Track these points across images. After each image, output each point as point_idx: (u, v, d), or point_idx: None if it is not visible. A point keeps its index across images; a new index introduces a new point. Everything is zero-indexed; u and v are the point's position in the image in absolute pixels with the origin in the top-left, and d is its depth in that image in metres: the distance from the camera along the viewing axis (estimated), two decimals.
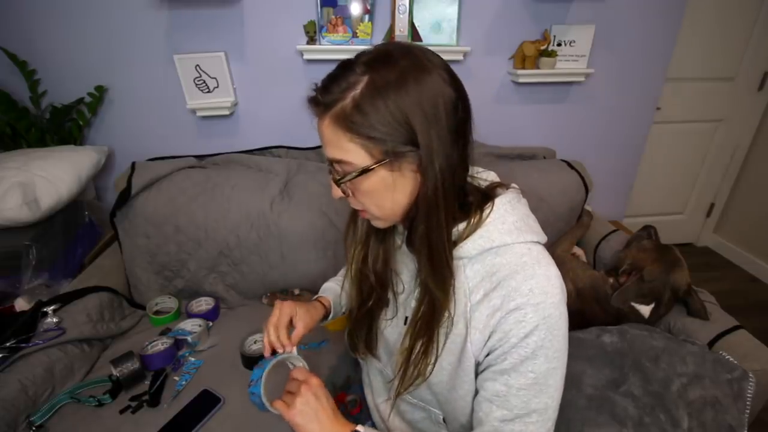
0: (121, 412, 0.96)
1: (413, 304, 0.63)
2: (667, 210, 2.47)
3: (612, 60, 1.63)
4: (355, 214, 0.67)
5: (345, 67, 0.50)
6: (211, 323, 1.25)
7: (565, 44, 1.56)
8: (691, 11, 1.80)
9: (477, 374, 0.59)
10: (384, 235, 0.68)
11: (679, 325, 1.09)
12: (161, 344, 1.11)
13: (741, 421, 0.87)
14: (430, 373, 0.60)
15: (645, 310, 1.10)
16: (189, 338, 1.14)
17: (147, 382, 1.03)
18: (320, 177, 1.39)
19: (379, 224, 0.61)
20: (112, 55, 1.40)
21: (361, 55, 0.51)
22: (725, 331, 1.02)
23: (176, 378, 1.05)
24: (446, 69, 0.51)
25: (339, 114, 0.48)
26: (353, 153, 0.50)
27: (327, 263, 1.34)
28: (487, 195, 0.59)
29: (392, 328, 0.70)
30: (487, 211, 0.56)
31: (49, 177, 1.22)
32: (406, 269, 0.67)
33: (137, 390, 1.02)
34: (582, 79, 1.62)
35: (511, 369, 0.53)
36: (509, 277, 0.53)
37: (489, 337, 0.55)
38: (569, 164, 1.60)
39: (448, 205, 0.52)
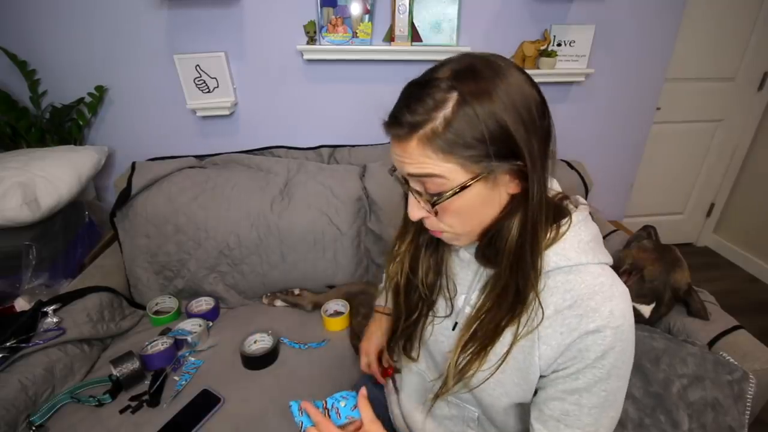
0: (121, 412, 0.96)
1: (467, 310, 0.61)
2: (667, 210, 2.47)
3: (612, 60, 1.63)
4: (406, 227, 0.66)
5: (426, 85, 0.46)
6: (211, 323, 1.25)
7: (565, 44, 1.56)
8: (690, 11, 1.80)
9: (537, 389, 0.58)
10: (438, 244, 0.65)
11: (679, 325, 1.09)
12: (161, 344, 1.11)
13: (741, 422, 0.87)
14: (486, 380, 0.58)
15: (645, 310, 1.10)
16: (189, 338, 1.14)
17: (147, 382, 1.03)
18: (320, 177, 1.39)
19: (458, 243, 0.58)
20: (112, 55, 1.40)
21: (438, 69, 0.48)
22: (725, 331, 1.02)
23: (176, 378, 1.05)
24: (522, 71, 0.50)
25: (429, 135, 0.45)
26: (448, 171, 0.47)
27: (327, 263, 1.34)
28: (559, 207, 0.58)
29: (439, 332, 0.68)
30: (564, 228, 0.55)
31: (49, 177, 1.22)
32: (461, 273, 0.64)
33: (137, 390, 1.02)
34: (582, 79, 1.62)
35: (583, 389, 0.52)
36: (588, 297, 0.51)
37: (561, 354, 0.53)
38: (569, 164, 1.60)
39: (547, 215, 0.52)
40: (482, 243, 0.56)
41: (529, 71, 1.76)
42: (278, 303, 1.35)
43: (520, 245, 0.51)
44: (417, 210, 0.53)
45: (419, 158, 0.47)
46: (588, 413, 0.53)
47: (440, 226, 0.54)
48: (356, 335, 1.15)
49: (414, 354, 0.72)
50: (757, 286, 2.25)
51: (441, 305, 0.67)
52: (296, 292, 1.37)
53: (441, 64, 0.48)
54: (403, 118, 0.47)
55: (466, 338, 0.59)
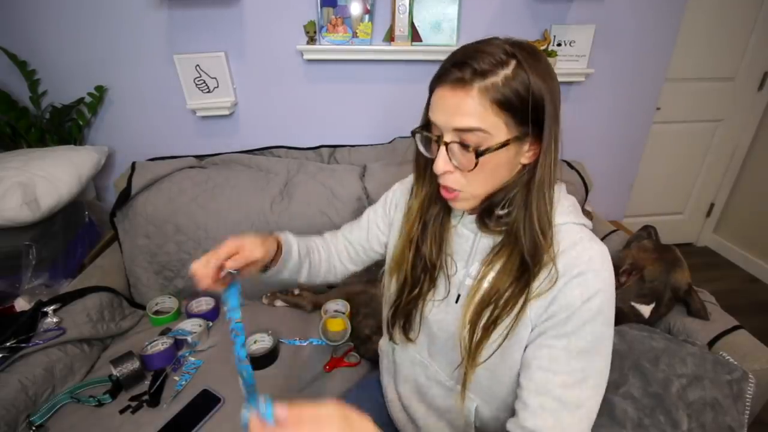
0: (121, 412, 0.96)
1: (469, 282, 0.65)
2: (667, 210, 2.47)
3: (612, 60, 1.63)
4: (421, 207, 0.70)
5: (489, 45, 0.53)
6: (211, 323, 1.25)
7: (565, 44, 1.56)
8: (691, 11, 1.80)
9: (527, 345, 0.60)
10: (441, 219, 0.69)
11: (679, 325, 1.09)
12: (161, 344, 1.11)
13: (741, 422, 0.87)
14: (500, 345, 0.61)
15: (645, 310, 1.10)
16: (189, 338, 1.14)
17: (147, 382, 1.03)
18: (320, 177, 1.39)
19: (464, 205, 0.62)
20: (112, 55, 1.40)
21: (497, 39, 0.55)
22: (725, 331, 1.02)
23: (176, 378, 1.05)
24: None
25: (489, 87, 0.51)
26: (495, 126, 0.53)
27: None
28: None
29: (439, 311, 0.70)
30: None
31: (49, 177, 1.21)
32: (460, 249, 0.68)
33: (137, 390, 1.02)
34: (582, 79, 1.62)
35: (571, 332, 0.55)
36: (569, 249, 0.57)
37: (550, 304, 0.56)
38: (569, 164, 1.60)
39: (554, 182, 0.57)
40: (483, 209, 0.61)
41: None
42: (278, 303, 1.35)
43: (528, 213, 0.57)
44: (445, 164, 0.57)
45: (475, 108, 0.52)
46: (576, 357, 0.55)
47: (460, 183, 0.58)
48: (357, 335, 1.16)
49: (413, 335, 0.74)
50: (757, 286, 2.25)
51: (441, 285, 0.69)
52: (296, 292, 1.37)
53: (501, 38, 0.55)
54: (470, 65, 0.51)
55: (471, 309, 0.62)
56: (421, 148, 0.63)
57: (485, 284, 0.61)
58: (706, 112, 2.19)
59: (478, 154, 0.54)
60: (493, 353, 0.61)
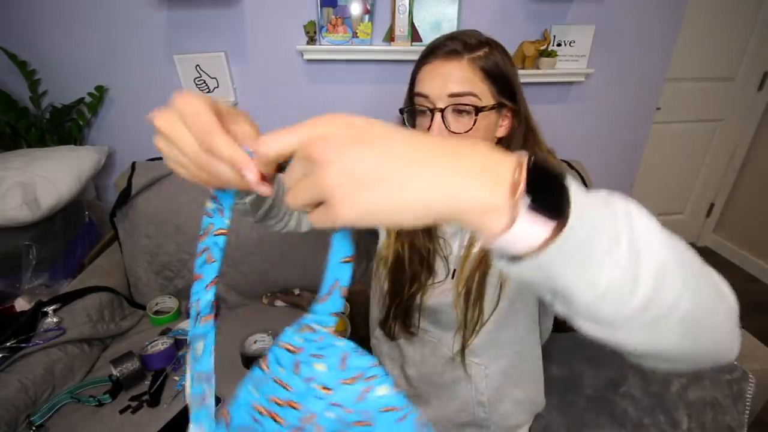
0: (121, 412, 0.96)
1: (463, 252, 0.68)
2: (667, 210, 2.47)
3: (612, 60, 1.63)
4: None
5: (468, 32, 0.64)
6: None
7: (565, 44, 1.56)
8: (691, 11, 1.80)
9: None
10: None
11: None
12: (161, 344, 1.11)
13: (740, 422, 0.87)
14: (494, 310, 0.65)
15: None
16: (189, 338, 1.14)
17: (147, 382, 1.03)
18: None
19: None
20: (112, 55, 1.40)
21: (472, 30, 0.65)
22: None
23: (176, 378, 1.05)
24: None
25: (476, 58, 0.61)
26: (483, 93, 0.61)
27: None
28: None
29: (439, 292, 0.71)
30: None
31: (49, 177, 1.21)
32: (449, 227, 0.71)
33: (137, 390, 1.02)
34: (582, 79, 1.62)
35: None
36: None
37: None
38: (569, 164, 1.60)
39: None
40: None
41: (529, 71, 1.74)
42: (278, 303, 1.35)
43: None
44: (440, 131, 0.62)
45: (467, 75, 0.60)
46: None
47: None
48: (357, 335, 1.15)
49: (414, 329, 0.75)
50: (757, 286, 2.25)
51: (440, 269, 0.71)
52: (296, 292, 1.37)
53: (468, 29, 0.66)
54: (460, 40, 0.61)
55: (464, 275, 0.65)
56: (411, 124, 0.68)
57: (476, 249, 0.65)
58: (706, 112, 2.19)
59: (477, 110, 0.60)
60: (494, 311, 0.65)
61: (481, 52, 0.61)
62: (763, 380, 0.92)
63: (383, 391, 0.34)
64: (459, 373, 0.73)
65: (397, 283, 0.73)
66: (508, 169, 0.25)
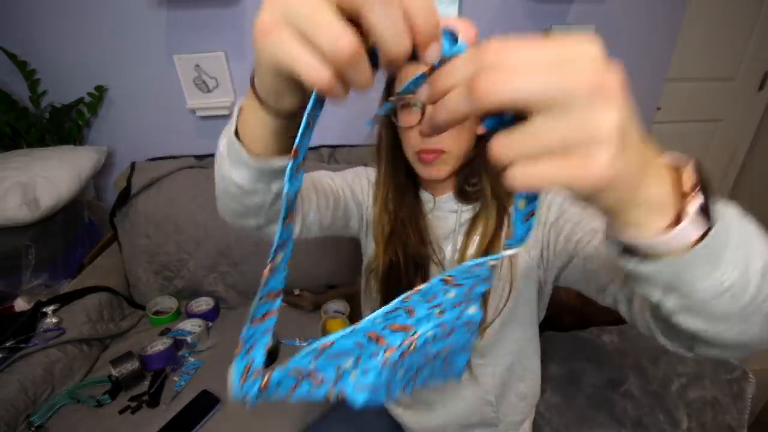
0: (121, 412, 0.96)
1: (457, 256, 0.67)
2: None
3: (612, 60, 1.63)
4: (384, 207, 0.70)
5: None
6: (210, 323, 1.25)
7: None
8: (691, 11, 1.80)
9: (558, 277, 0.61)
10: (415, 210, 0.70)
11: None
12: (161, 344, 1.11)
13: (741, 422, 0.86)
14: (501, 310, 0.64)
15: None
16: (189, 338, 1.14)
17: (146, 383, 1.03)
18: None
19: (444, 171, 0.64)
20: (112, 55, 1.40)
21: None
22: None
23: (176, 378, 1.05)
24: None
25: None
26: None
27: (328, 262, 1.34)
28: None
29: None
30: None
31: (49, 177, 1.21)
32: (442, 233, 0.69)
33: (137, 390, 1.02)
34: None
35: (567, 207, 0.59)
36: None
37: (548, 232, 0.59)
38: None
39: None
40: (459, 182, 0.67)
41: None
42: None
43: (492, 169, 0.62)
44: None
45: None
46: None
47: (442, 140, 0.61)
48: None
49: None
50: None
51: (435, 273, 0.70)
52: (296, 292, 1.36)
53: None
54: None
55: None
56: (396, 120, 0.65)
57: (471, 250, 0.65)
58: (706, 112, 2.19)
59: None
60: (501, 311, 0.64)
61: None
62: (763, 380, 0.92)
63: (473, 310, 0.40)
64: (464, 376, 0.71)
65: (391, 294, 0.70)
66: (689, 167, 0.27)
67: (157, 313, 1.28)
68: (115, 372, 1.00)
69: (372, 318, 0.35)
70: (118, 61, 1.41)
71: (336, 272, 1.36)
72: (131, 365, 1.01)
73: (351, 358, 0.36)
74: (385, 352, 0.37)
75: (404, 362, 0.39)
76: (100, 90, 1.42)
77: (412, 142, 0.64)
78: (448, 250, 0.69)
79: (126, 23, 1.36)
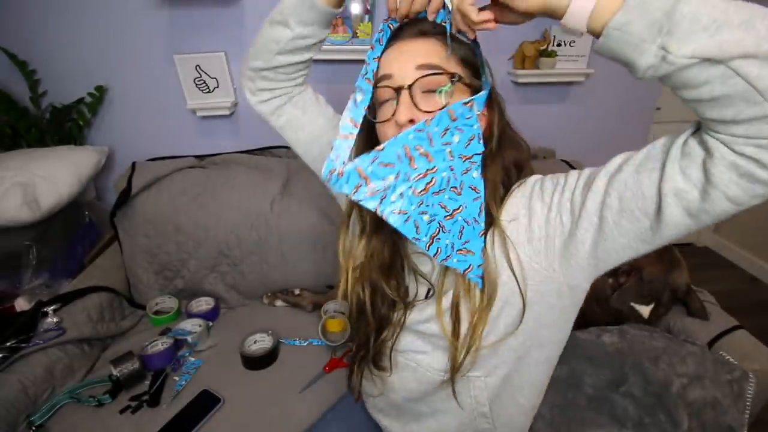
0: (121, 412, 0.96)
1: (435, 276, 0.62)
2: None
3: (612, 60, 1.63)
4: (359, 235, 0.67)
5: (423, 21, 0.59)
6: (211, 323, 1.25)
7: (565, 44, 1.56)
8: None
9: (564, 260, 0.55)
10: (393, 244, 0.64)
11: (679, 325, 1.09)
12: (161, 344, 1.11)
13: (741, 422, 0.87)
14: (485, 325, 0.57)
15: (644, 310, 1.10)
16: (189, 338, 1.14)
17: (147, 382, 1.04)
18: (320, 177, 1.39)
19: None
20: (112, 55, 1.40)
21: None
22: (725, 331, 1.02)
23: (176, 378, 1.05)
24: None
25: (442, 40, 0.56)
26: (454, 66, 0.56)
27: (327, 263, 1.34)
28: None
29: (423, 312, 0.64)
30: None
31: (49, 177, 1.22)
32: (415, 247, 0.62)
33: (137, 390, 1.02)
34: (582, 79, 1.62)
35: (552, 183, 0.59)
36: (520, 184, 0.60)
37: (530, 223, 0.56)
38: (569, 164, 1.60)
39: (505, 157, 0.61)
40: None
41: (529, 71, 1.74)
42: (278, 303, 1.35)
43: (502, 154, 0.60)
44: (408, 111, 0.53)
45: (438, 51, 0.55)
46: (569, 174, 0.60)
47: None
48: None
49: (386, 364, 0.68)
50: (757, 286, 2.25)
51: (421, 287, 0.64)
52: (296, 292, 1.37)
53: None
54: (429, 21, 0.56)
55: (445, 287, 0.59)
56: (371, 117, 0.59)
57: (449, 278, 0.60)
58: None
59: (453, 81, 0.54)
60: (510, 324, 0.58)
61: (446, 36, 0.56)
62: (763, 380, 0.92)
63: (476, 174, 0.54)
64: (457, 388, 0.65)
65: (367, 326, 0.66)
66: None
67: (157, 312, 1.28)
68: (115, 372, 1.00)
69: (406, 132, 0.49)
70: (118, 61, 1.41)
71: (336, 272, 1.35)
72: (132, 365, 1.02)
73: (392, 174, 0.49)
74: (414, 177, 0.50)
75: (428, 199, 0.50)
76: (101, 90, 1.42)
77: (389, 134, 0.55)
78: (430, 262, 0.63)
79: (126, 23, 1.36)
